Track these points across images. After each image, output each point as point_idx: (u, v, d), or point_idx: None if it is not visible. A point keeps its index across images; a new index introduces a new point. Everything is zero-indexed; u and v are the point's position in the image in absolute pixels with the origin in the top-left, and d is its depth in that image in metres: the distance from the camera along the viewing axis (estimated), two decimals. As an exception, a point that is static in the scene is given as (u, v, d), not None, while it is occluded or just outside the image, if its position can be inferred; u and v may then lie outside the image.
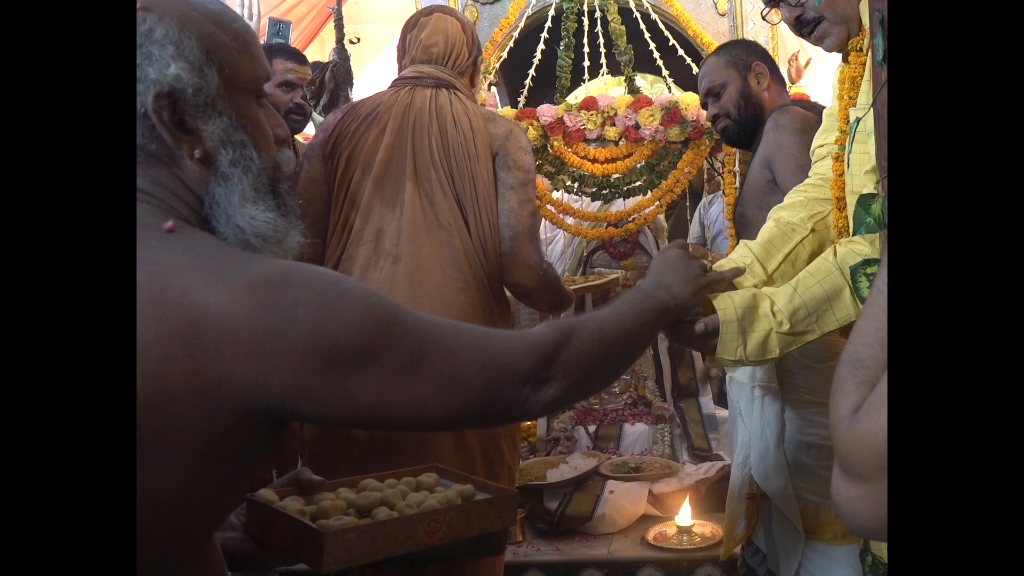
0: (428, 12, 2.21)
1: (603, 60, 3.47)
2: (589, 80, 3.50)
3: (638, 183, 3.31)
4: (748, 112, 2.31)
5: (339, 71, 3.06)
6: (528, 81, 3.41)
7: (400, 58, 2.20)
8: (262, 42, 3.13)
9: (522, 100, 3.40)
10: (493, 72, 3.46)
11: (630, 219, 3.36)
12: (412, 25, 2.18)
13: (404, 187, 1.97)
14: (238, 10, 3.93)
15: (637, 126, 3.23)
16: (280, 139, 1.05)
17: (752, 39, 3.11)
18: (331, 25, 4.80)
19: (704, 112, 3.19)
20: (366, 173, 1.99)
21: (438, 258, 1.95)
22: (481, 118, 2.05)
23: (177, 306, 0.85)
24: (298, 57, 3.19)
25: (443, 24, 2.15)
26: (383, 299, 0.95)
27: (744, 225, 2.27)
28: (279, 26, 3.10)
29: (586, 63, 3.41)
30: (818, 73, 4.71)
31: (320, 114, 3.05)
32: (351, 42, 4.43)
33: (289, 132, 1.10)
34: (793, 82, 3.85)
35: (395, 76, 2.18)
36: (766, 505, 2.00)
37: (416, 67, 2.11)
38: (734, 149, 3.12)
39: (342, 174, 2.01)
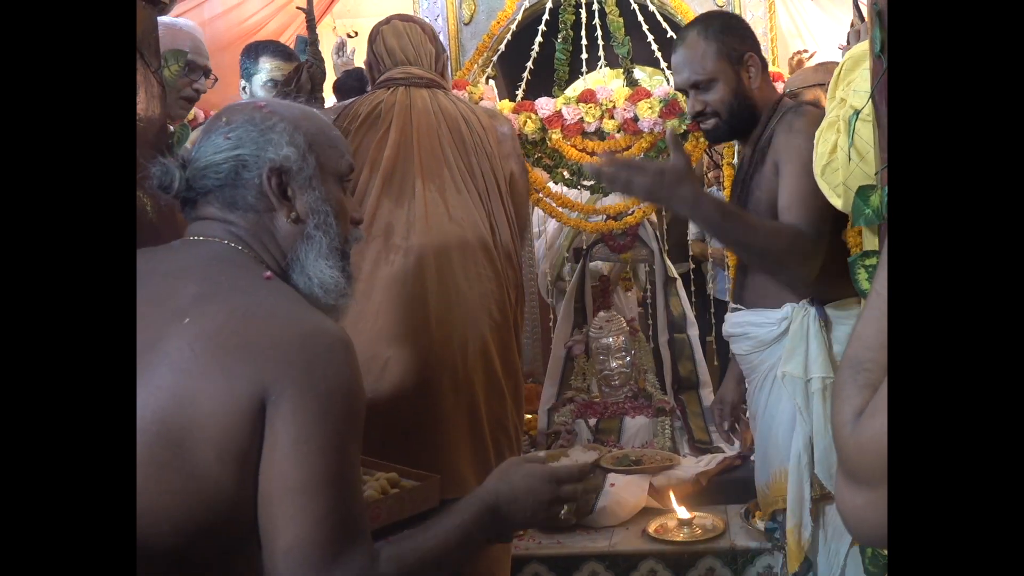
0: (387, 21, 2.31)
1: (601, 53, 3.46)
2: (587, 73, 3.49)
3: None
4: (741, 113, 2.07)
5: (315, 72, 3.06)
6: (526, 74, 3.39)
7: (371, 68, 2.28)
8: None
9: (520, 93, 3.39)
10: (491, 65, 3.45)
11: (629, 212, 3.35)
12: (375, 35, 2.27)
13: (413, 184, 2.01)
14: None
15: (635, 118, 3.22)
16: (356, 221, 1.36)
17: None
18: (328, 20, 4.80)
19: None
20: (374, 171, 2.01)
21: (450, 251, 1.99)
22: (485, 116, 2.12)
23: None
24: (285, 54, 3.25)
25: (405, 28, 2.24)
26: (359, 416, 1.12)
27: None
28: (306, 44, 3.11)
29: (584, 56, 3.40)
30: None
31: None
32: (348, 36, 4.43)
33: (362, 216, 1.46)
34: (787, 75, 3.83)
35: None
36: (824, 507, 1.97)
37: (401, 68, 2.16)
38: (733, 141, 3.11)
39: None
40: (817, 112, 2.03)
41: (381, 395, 1.88)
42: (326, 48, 4.37)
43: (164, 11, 1.71)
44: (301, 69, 3.05)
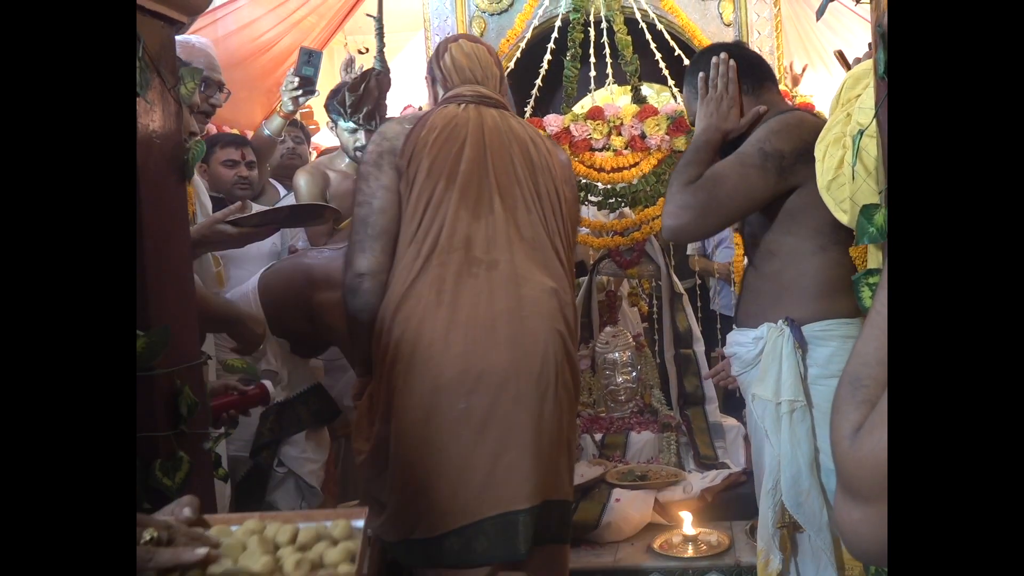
0: (454, 39, 2.32)
1: (609, 71, 3.49)
2: (595, 90, 3.53)
3: (644, 191, 3.33)
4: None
5: (382, 80, 3.10)
6: (535, 91, 3.43)
7: (433, 83, 2.29)
8: (293, 70, 3.19)
9: (528, 110, 3.42)
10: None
11: (636, 228, 3.37)
12: (442, 51, 2.28)
13: (491, 200, 2.06)
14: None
15: (643, 135, 3.25)
16: None
17: (756, 50, 3.12)
18: (339, 37, 4.85)
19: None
20: (451, 184, 2.03)
21: (529, 266, 2.04)
22: (548, 140, 2.24)
23: None
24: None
25: (474, 49, 2.27)
26: None
27: (754, 246, 2.10)
28: (311, 56, 3.16)
29: (592, 73, 3.43)
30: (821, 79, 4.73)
31: (360, 123, 3.08)
32: (360, 52, 4.47)
33: None
34: (791, 89, 3.85)
35: (432, 94, 2.29)
36: (797, 536, 1.92)
37: (470, 87, 2.19)
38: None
39: (423, 183, 2.03)
40: (805, 117, 2.02)
41: (476, 408, 1.92)
42: (336, 65, 4.43)
43: (181, 30, 1.74)
44: (369, 76, 3.09)
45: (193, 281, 1.72)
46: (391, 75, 3.27)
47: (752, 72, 2.09)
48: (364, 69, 3.31)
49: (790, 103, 2.19)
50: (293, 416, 2.75)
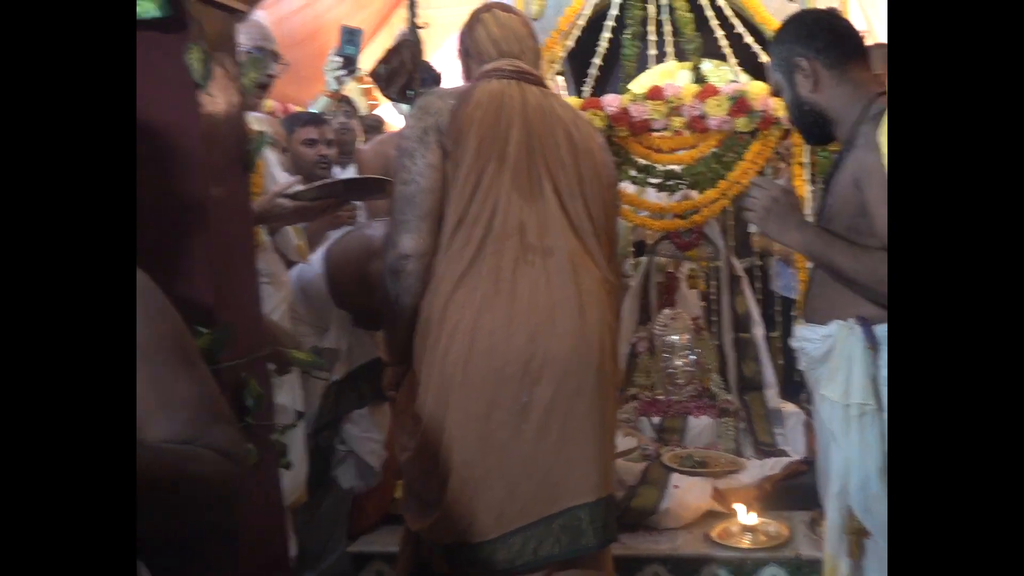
0: (486, 8, 2.19)
1: (669, 48, 3.42)
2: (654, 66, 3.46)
3: (704, 174, 3.26)
4: (804, 121, 1.96)
5: (416, 51, 3.05)
6: (594, 71, 3.37)
7: (466, 55, 2.17)
8: (335, 50, 3.17)
9: (587, 89, 3.36)
10: (559, 61, 3.44)
11: (696, 211, 3.31)
12: (475, 22, 2.16)
13: (540, 183, 1.97)
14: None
15: (703, 116, 3.18)
16: None
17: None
18: (400, 10, 4.82)
19: (772, 101, 3.13)
20: (501, 165, 1.95)
21: (581, 254, 1.98)
22: (587, 122, 2.12)
23: None
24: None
25: (508, 19, 2.15)
26: None
27: None
28: (352, 34, 3.14)
29: (652, 52, 3.36)
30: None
31: (396, 97, 3.05)
32: (418, 27, 4.44)
33: None
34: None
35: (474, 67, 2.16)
36: (865, 541, 1.84)
37: (509, 61, 2.08)
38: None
39: (470, 164, 1.94)
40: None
41: (537, 400, 1.88)
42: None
43: (241, 18, 1.73)
44: (400, 47, 3.04)
45: (256, 274, 1.72)
46: (422, 45, 3.19)
47: (840, 45, 1.92)
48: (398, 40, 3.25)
49: (880, 83, 1.99)
50: (353, 392, 2.76)
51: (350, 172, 3.42)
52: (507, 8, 2.23)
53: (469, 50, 2.15)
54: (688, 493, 2.78)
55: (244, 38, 2.56)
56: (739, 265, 3.68)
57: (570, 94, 3.36)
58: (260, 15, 2.96)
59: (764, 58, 3.32)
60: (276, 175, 2.51)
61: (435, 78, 3.23)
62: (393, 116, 4.25)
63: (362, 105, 4.23)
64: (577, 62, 3.57)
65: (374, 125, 4.16)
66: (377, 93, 4.39)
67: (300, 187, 2.06)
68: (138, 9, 1.41)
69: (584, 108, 3.16)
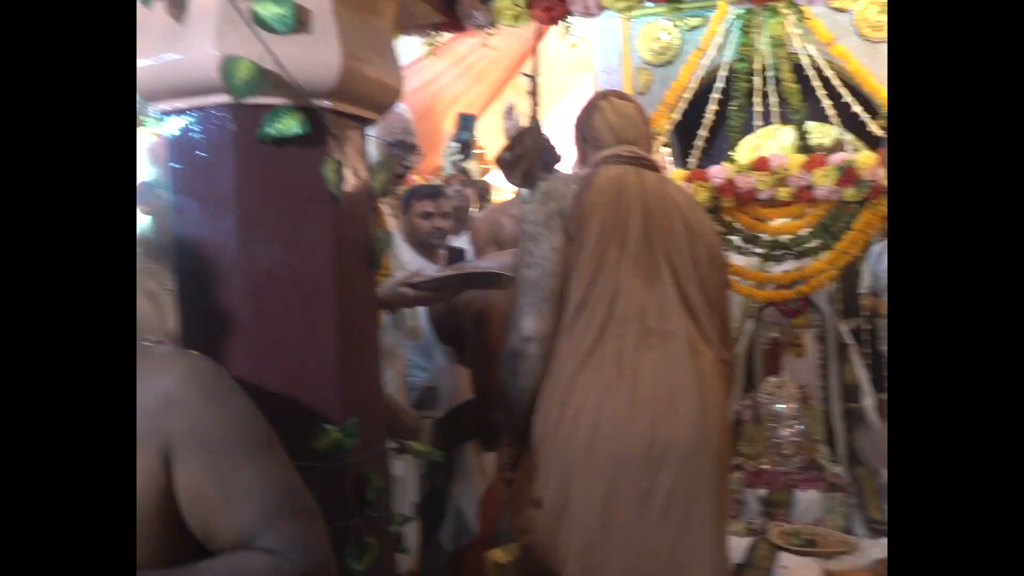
0: (603, 96, 2.27)
1: (774, 112, 3.44)
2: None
3: (811, 244, 3.25)
4: None
5: (539, 138, 3.14)
6: (700, 142, 3.40)
7: (583, 141, 2.23)
8: (452, 136, 3.30)
9: (693, 160, 3.40)
10: (665, 133, 3.48)
11: (802, 281, 3.29)
12: (592, 109, 2.22)
13: (658, 267, 2.01)
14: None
15: (810, 186, 3.17)
16: None
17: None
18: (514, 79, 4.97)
19: (880, 171, 3.11)
20: (622, 250, 1.99)
21: (698, 337, 2.01)
22: (700, 206, 2.16)
23: None
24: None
25: (625, 107, 2.21)
26: None
27: None
28: (467, 120, 3.27)
29: (757, 123, 3.38)
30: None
31: (520, 182, 3.14)
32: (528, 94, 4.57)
33: None
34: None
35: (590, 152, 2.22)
36: None
37: (626, 147, 2.14)
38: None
39: (593, 247, 1.98)
40: None
41: (659, 487, 1.89)
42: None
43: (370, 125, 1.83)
44: (524, 135, 3.15)
45: (380, 367, 1.80)
46: (546, 137, 3.29)
47: None
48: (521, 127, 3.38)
49: None
50: (455, 429, 2.82)
51: (463, 239, 3.53)
52: (623, 96, 2.30)
53: (586, 136, 2.22)
54: (797, 574, 2.74)
55: (386, 131, 2.70)
56: (847, 332, 3.62)
57: (676, 165, 3.39)
58: (402, 107, 3.09)
59: (873, 127, 3.30)
60: (400, 255, 2.62)
61: (556, 160, 3.31)
62: (502, 181, 4.36)
63: (475, 170, 4.37)
64: (682, 133, 3.61)
65: (484, 189, 4.29)
66: (488, 157, 4.53)
67: (421, 278, 2.15)
68: (282, 127, 1.52)
69: (690, 179, 3.19)
